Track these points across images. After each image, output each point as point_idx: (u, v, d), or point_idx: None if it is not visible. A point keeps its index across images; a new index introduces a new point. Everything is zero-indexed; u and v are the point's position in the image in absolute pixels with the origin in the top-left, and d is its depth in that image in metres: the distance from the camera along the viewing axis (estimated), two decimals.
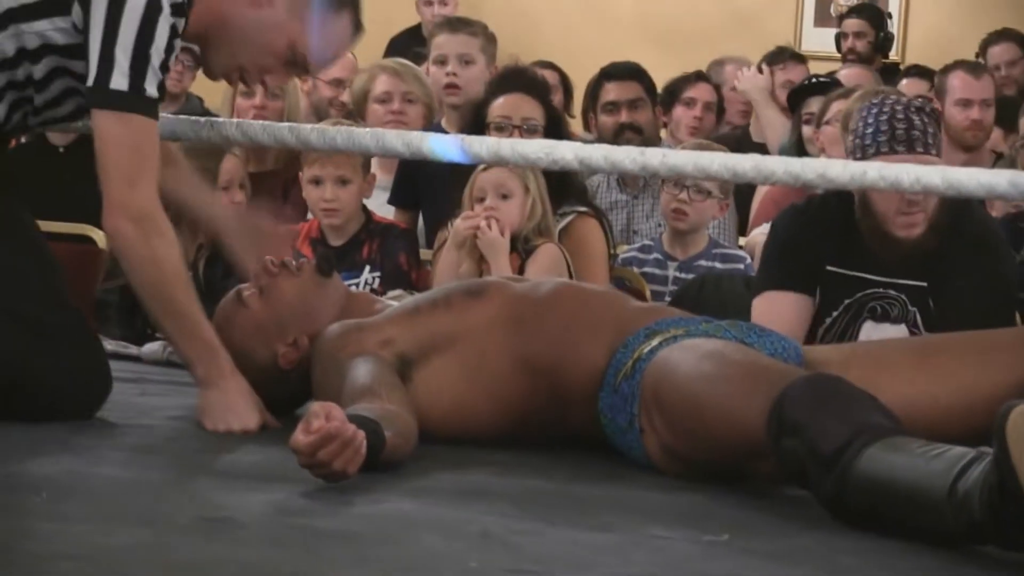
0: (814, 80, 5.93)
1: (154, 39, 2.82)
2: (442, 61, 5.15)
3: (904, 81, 6.35)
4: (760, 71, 6.48)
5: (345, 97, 6.01)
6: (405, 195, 4.98)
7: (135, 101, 2.83)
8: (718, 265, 4.73)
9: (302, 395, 3.11)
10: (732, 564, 2.13)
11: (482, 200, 4.11)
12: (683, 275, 4.70)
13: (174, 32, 2.86)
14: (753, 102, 6.48)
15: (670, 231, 4.80)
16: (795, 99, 5.88)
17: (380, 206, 4.95)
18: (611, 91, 5.55)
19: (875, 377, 2.70)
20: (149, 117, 2.86)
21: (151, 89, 2.83)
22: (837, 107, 5.03)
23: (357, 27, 3.11)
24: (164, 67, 2.85)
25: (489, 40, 5.23)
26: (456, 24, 5.27)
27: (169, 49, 2.85)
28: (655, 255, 4.79)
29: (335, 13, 3.05)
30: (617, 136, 5.46)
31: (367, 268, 4.34)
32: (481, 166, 4.08)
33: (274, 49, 3.02)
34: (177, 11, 2.86)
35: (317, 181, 4.37)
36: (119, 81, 2.82)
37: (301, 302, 3.10)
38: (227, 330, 3.11)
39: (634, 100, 5.51)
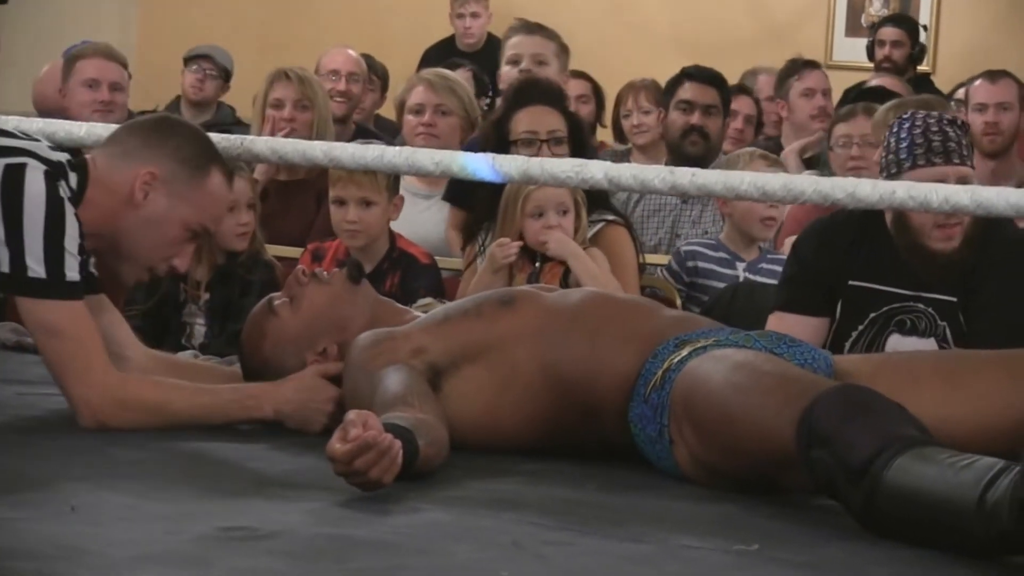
0: (867, 90, 5.90)
1: (65, 231, 2.81)
2: (516, 61, 5.17)
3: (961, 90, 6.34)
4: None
5: (342, 86, 6.00)
6: (461, 194, 4.77)
7: (57, 287, 2.80)
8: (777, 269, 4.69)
9: None
10: (762, 574, 2.14)
11: (539, 216, 4.09)
12: (750, 276, 4.66)
13: (79, 218, 2.86)
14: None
15: (733, 232, 4.76)
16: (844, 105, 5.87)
17: (420, 212, 4.91)
18: (689, 90, 5.48)
19: (903, 389, 2.69)
20: (74, 300, 2.83)
21: (71, 274, 2.82)
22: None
23: (229, 175, 3.09)
24: (82, 250, 2.84)
25: (562, 49, 5.25)
26: (532, 27, 5.27)
27: (82, 235, 2.84)
28: (721, 254, 4.75)
29: (206, 175, 3.02)
30: (684, 136, 5.45)
31: None
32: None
33: (172, 238, 3.00)
34: (73, 201, 2.85)
35: (341, 201, 4.25)
36: (36, 269, 2.79)
37: (331, 310, 3.12)
38: (257, 340, 3.14)
39: (710, 106, 5.46)
